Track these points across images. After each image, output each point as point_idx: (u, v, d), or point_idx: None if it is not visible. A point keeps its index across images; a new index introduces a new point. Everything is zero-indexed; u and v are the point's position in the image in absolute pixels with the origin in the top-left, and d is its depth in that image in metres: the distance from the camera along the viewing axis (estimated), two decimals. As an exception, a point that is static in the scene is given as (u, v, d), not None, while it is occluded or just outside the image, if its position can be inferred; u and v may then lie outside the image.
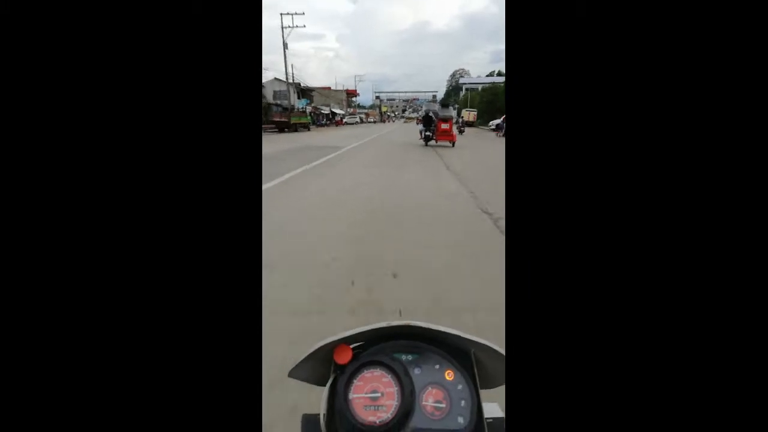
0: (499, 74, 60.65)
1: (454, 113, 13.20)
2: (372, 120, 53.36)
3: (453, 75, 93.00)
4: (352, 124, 39.70)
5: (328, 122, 34.29)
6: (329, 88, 50.29)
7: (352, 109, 55.03)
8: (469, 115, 34.08)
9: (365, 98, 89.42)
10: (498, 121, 23.12)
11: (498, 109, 31.59)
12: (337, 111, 40.40)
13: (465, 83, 61.96)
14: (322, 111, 34.24)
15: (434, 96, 77.87)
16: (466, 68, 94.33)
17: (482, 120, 33.28)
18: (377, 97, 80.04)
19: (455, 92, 77.35)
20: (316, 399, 0.34)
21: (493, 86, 36.03)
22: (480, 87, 46.66)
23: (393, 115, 72.56)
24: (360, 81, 66.74)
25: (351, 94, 57.34)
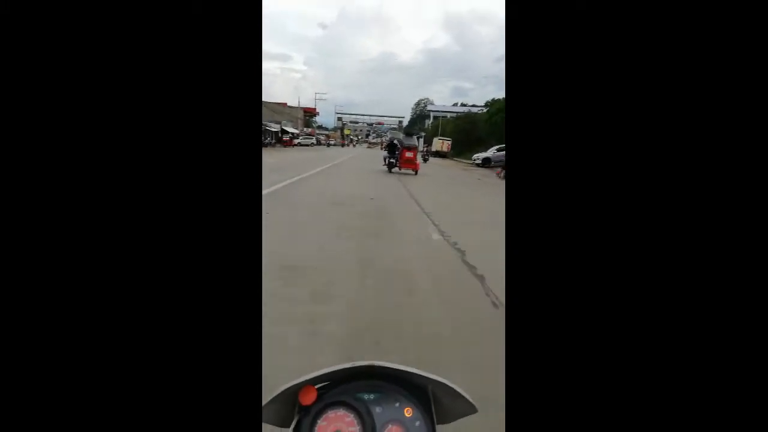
0: (463, 105, 58.52)
1: (417, 143, 12.66)
2: (332, 142, 47.65)
3: (418, 103, 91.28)
4: (307, 145, 33.94)
5: (276, 142, 28.34)
6: (285, 104, 44.50)
7: (310, 130, 49.33)
8: (442, 144, 29.47)
9: (328, 120, 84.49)
10: (487, 153, 18.34)
11: (476, 139, 27.47)
12: (290, 130, 34.59)
13: (433, 110, 59.04)
14: (269, 128, 28.29)
15: (400, 122, 74.49)
16: (431, 98, 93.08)
17: (456, 151, 28.96)
18: (339, 119, 74.85)
19: (420, 120, 74.71)
20: None
21: (470, 114, 32.15)
22: (448, 115, 43.24)
23: (356, 139, 67.31)
24: (321, 99, 61.64)
25: (309, 112, 51.69)
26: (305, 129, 46.91)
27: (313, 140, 37.35)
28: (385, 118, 79.51)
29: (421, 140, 35.46)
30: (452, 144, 28.58)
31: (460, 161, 24.23)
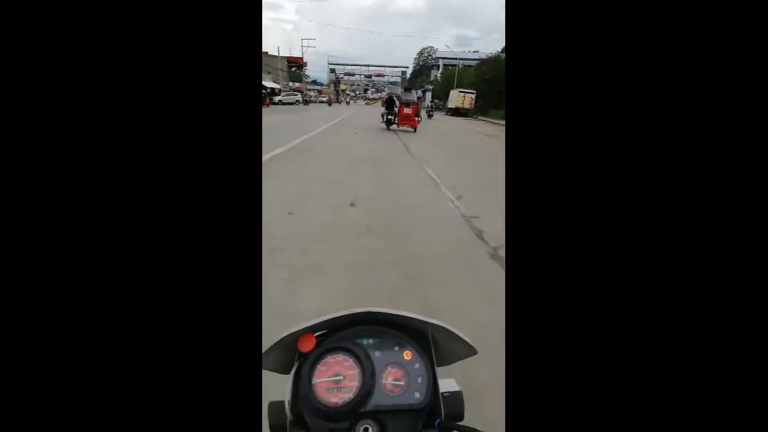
0: (475, 52, 50.05)
1: (416, 98, 11.75)
2: (323, 99, 39.77)
3: (421, 53, 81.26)
4: (291, 103, 27.11)
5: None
6: (266, 53, 36.69)
7: (298, 85, 41.68)
8: (463, 99, 22.24)
9: (323, 75, 75.10)
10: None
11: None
12: (269, 85, 27.72)
13: (442, 57, 50.46)
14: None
15: (404, 72, 65.40)
16: (434, 47, 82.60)
17: (477, 107, 22.26)
18: (332, 71, 65.17)
19: (426, 71, 65.91)
20: (280, 387, 0.35)
21: (499, 59, 24.87)
22: (461, 64, 35.59)
23: (351, 94, 58.25)
24: (309, 47, 52.77)
25: (295, 62, 43.47)
26: (291, 84, 39.41)
27: (298, 97, 29.84)
28: (387, 69, 70.35)
29: (428, 94, 28.53)
30: (476, 97, 21.85)
31: (491, 122, 17.80)
